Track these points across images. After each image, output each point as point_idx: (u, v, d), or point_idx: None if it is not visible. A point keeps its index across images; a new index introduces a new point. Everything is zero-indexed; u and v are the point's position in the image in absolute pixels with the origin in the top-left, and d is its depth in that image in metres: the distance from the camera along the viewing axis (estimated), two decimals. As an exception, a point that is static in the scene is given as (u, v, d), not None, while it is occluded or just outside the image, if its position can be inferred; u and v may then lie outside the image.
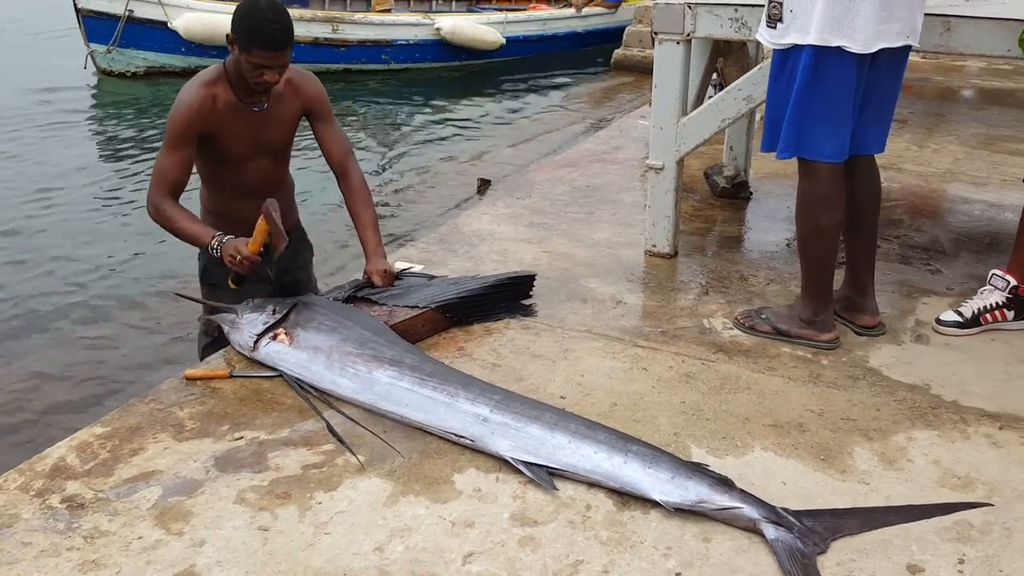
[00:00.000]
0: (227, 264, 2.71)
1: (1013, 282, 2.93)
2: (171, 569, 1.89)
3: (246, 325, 2.72)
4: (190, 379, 2.62)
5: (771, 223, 4.10)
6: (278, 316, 2.70)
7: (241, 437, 2.35)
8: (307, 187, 5.61)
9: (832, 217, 2.80)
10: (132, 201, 6.79)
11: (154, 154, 7.75)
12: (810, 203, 2.81)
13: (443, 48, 12.24)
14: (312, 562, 1.93)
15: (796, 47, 2.64)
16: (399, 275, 3.08)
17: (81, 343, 4.63)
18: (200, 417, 2.44)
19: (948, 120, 5.95)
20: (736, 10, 3.25)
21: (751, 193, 4.43)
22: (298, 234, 3.10)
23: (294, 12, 11.13)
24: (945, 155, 5.12)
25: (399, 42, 11.93)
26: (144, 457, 2.27)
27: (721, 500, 2.05)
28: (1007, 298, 2.94)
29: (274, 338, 2.66)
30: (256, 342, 2.66)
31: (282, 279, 3.04)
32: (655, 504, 2.09)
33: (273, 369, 2.62)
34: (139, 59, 10.93)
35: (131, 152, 8.27)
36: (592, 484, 2.17)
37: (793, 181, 4.43)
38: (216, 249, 2.71)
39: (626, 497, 2.13)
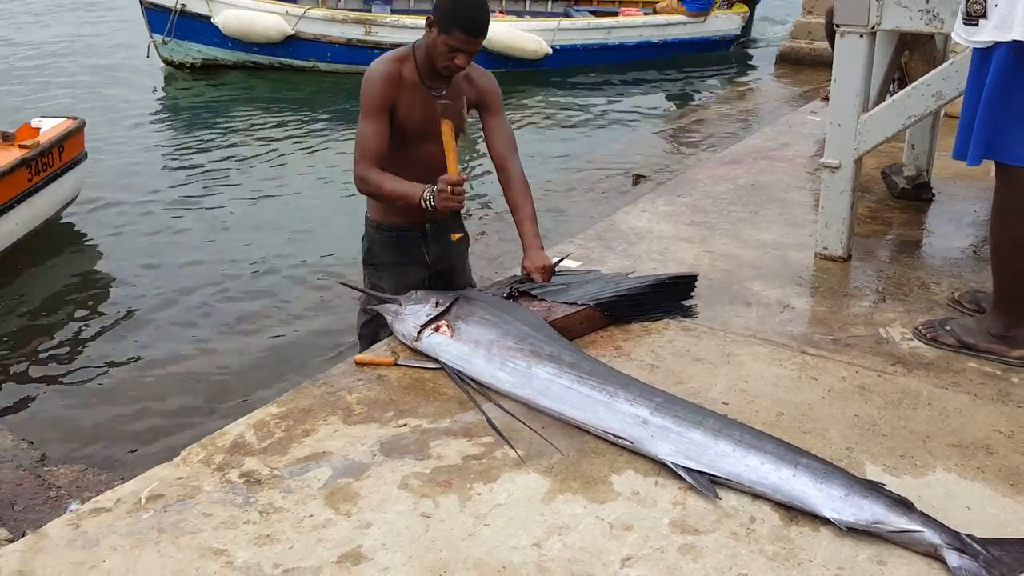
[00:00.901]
0: (443, 207, 2.77)
1: None
2: (339, 548, 1.96)
3: (410, 316, 2.79)
4: (359, 364, 2.71)
5: (956, 228, 3.84)
6: (441, 308, 2.76)
7: (405, 424, 2.41)
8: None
9: (1033, 225, 2.59)
10: (294, 189, 7.12)
11: (269, 145, 8.21)
12: (1008, 211, 2.62)
13: (485, 55, 11.72)
14: (472, 552, 1.95)
15: (997, 44, 2.46)
16: (556, 270, 3.08)
17: (253, 328, 4.89)
18: (367, 402, 2.52)
19: None
20: (927, 1, 3.06)
21: (933, 195, 4.18)
22: (455, 219, 3.17)
23: (324, 11, 11.08)
24: None
25: None
26: (316, 438, 2.36)
27: (899, 522, 1.94)
28: None
29: (436, 330, 2.71)
30: (419, 333, 2.72)
31: (438, 265, 3.13)
32: (825, 521, 2.00)
33: (435, 360, 2.68)
34: (194, 51, 11.20)
35: (270, 143, 8.59)
36: (757, 496, 2.10)
37: (981, 183, 4.14)
38: (429, 200, 2.78)
39: (793, 512, 2.05)
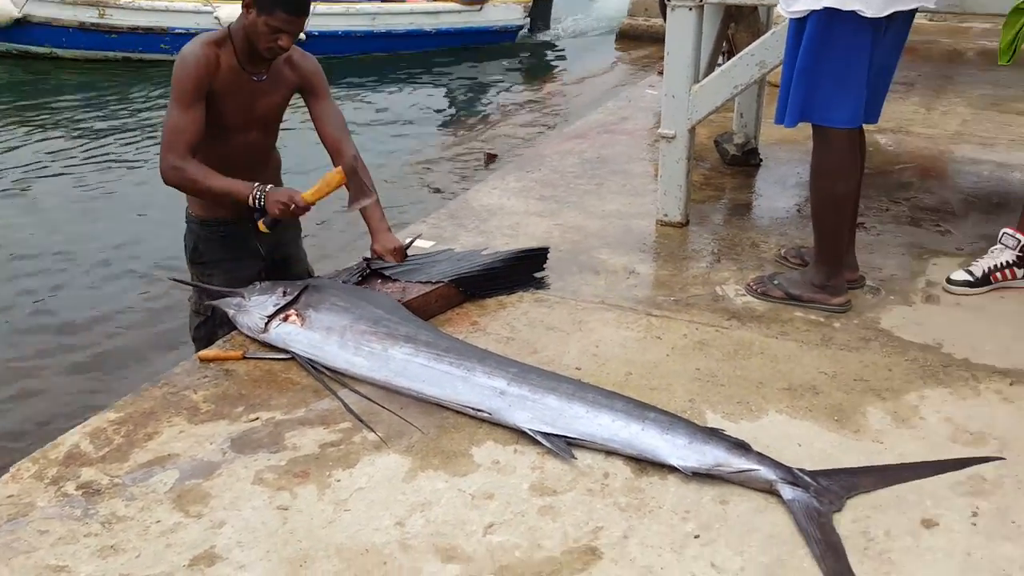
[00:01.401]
0: (274, 212, 2.71)
1: (1024, 240, 2.93)
2: (191, 551, 1.91)
3: (255, 308, 2.73)
4: (203, 360, 2.64)
5: (781, 189, 4.09)
6: (289, 297, 2.72)
7: (257, 418, 2.38)
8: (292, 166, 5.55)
9: (847, 184, 2.81)
10: (108, 185, 6.77)
11: (105, 139, 7.76)
12: (825, 170, 2.81)
13: None
14: (333, 539, 1.95)
15: (812, 12, 2.62)
16: (408, 252, 3.09)
17: (79, 330, 4.60)
18: (214, 399, 2.47)
19: (955, 82, 5.91)
20: (746, -25, 3.22)
21: (761, 160, 4.42)
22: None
23: None
24: (953, 117, 5.08)
25: (177, 30, 10.33)
26: (159, 441, 2.29)
27: (738, 463, 2.07)
28: (1017, 256, 2.94)
29: (285, 319, 2.67)
30: (267, 324, 2.67)
31: (272, 255, 3.06)
32: (673, 470, 2.11)
33: (286, 351, 2.64)
34: None
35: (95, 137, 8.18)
36: (610, 452, 2.20)
37: (803, 147, 4.42)
38: (259, 199, 2.70)
39: (644, 464, 2.15)
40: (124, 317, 4.74)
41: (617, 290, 3.10)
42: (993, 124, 4.90)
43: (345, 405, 2.41)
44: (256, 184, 2.73)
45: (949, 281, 2.98)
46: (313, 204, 2.77)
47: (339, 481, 2.14)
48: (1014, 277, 2.95)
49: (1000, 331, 2.73)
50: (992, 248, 3.00)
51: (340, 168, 2.77)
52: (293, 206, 2.70)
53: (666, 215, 3.65)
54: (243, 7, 2.70)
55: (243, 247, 2.95)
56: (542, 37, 12.82)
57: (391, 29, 11.28)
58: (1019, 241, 2.93)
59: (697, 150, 4.06)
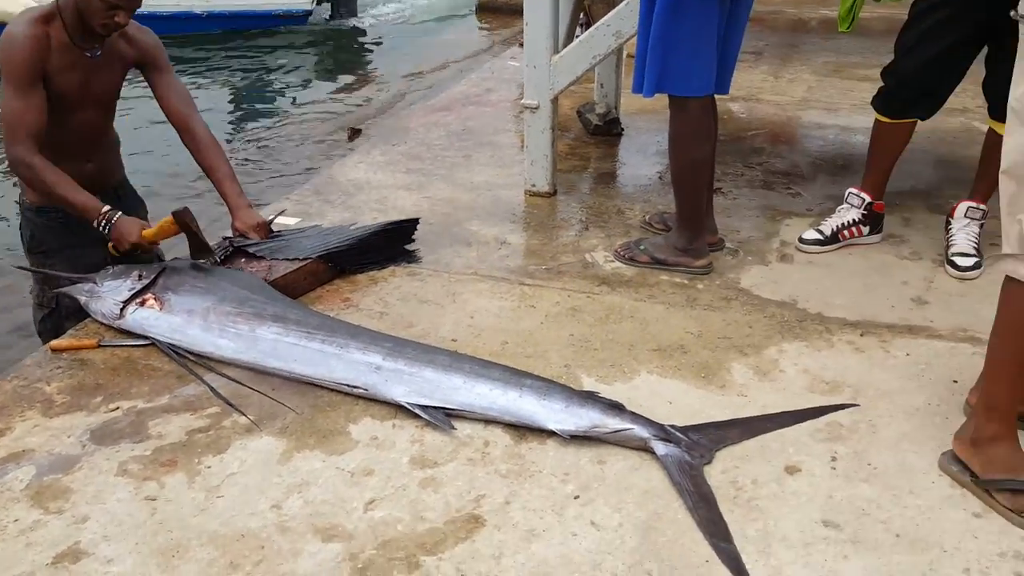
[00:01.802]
0: (116, 246, 2.66)
1: (868, 199, 3.10)
2: (53, 549, 1.82)
3: (108, 293, 2.59)
4: (55, 351, 2.49)
5: (643, 158, 4.19)
6: (145, 281, 2.59)
7: (117, 408, 2.27)
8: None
9: (703, 149, 2.89)
10: None
11: None
12: (682, 137, 2.88)
13: None
14: (207, 527, 1.89)
15: None
16: (271, 228, 3.00)
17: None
18: (70, 391, 2.34)
19: (800, 50, 6.17)
20: (599, -55, 3.26)
21: (623, 129, 4.51)
22: (126, 190, 3.00)
23: None
24: (799, 84, 5.32)
25: None
26: (12, 437, 2.15)
27: (613, 423, 2.12)
28: (863, 214, 3.10)
29: (142, 304, 2.55)
30: (122, 310, 2.55)
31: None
32: (551, 434, 2.14)
33: (145, 337, 2.52)
34: None
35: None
36: (489, 421, 2.21)
37: (662, 116, 4.54)
38: (104, 226, 2.61)
39: (523, 430, 2.18)
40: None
41: (489, 261, 3.11)
42: (836, 90, 5.15)
43: (212, 389, 2.32)
44: (106, 209, 2.62)
45: (801, 240, 3.12)
46: (152, 244, 2.73)
47: (210, 468, 2.06)
48: (860, 234, 3.12)
49: (849, 286, 2.88)
50: (839, 207, 3.16)
51: (171, 219, 2.68)
52: (137, 250, 2.67)
53: (534, 185, 3.68)
54: None
55: (85, 233, 2.75)
56: (349, 23, 12.10)
57: (154, 11, 9.71)
58: (864, 200, 3.10)
59: (561, 120, 4.11)
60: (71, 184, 2.60)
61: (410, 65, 8.91)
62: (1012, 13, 1.82)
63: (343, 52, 10.85)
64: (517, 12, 10.37)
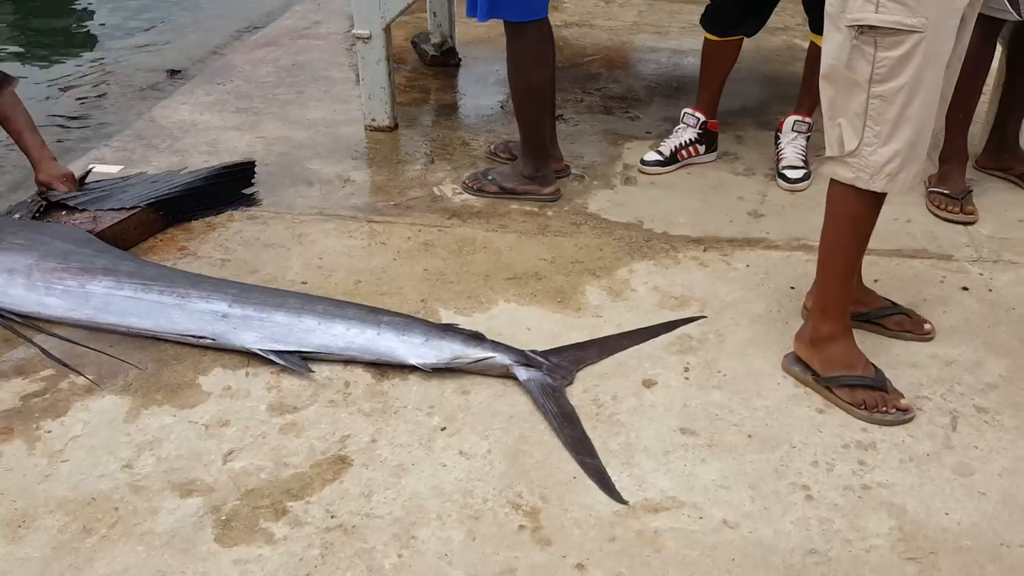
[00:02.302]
0: None
1: (703, 118, 3.19)
2: None
3: (-85, 256, 2.35)
4: None
5: (483, 88, 4.14)
6: (-45, 241, 2.36)
7: (-61, 377, 2.08)
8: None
9: (542, 73, 2.87)
10: None
11: None
12: (521, 62, 2.86)
13: None
14: (54, 493, 1.78)
15: None
16: (85, 180, 2.79)
17: None
18: None
19: (629, -25, 6.25)
20: None
21: (460, 60, 4.44)
22: None
23: None
24: (630, 9, 5.39)
25: None
26: None
27: (474, 353, 2.13)
28: (699, 134, 3.20)
29: (-43, 264, 2.32)
30: (-65, 271, 2.32)
31: None
32: (413, 369, 2.13)
33: (-38, 300, 2.31)
34: None
35: None
36: (348, 361, 2.17)
37: (498, 45, 4.49)
38: None
39: (384, 368, 2.15)
40: None
41: (334, 199, 3.02)
42: (665, 13, 5.25)
43: (43, 351, 2.17)
44: None
45: (642, 162, 3.19)
46: None
47: (50, 432, 1.94)
48: (698, 154, 3.22)
49: (690, 204, 2.98)
50: (676, 128, 3.24)
51: None
52: None
53: (374, 120, 3.58)
54: None
55: None
56: None
57: None
58: (699, 119, 3.19)
59: (396, 52, 3.99)
60: None
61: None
62: None
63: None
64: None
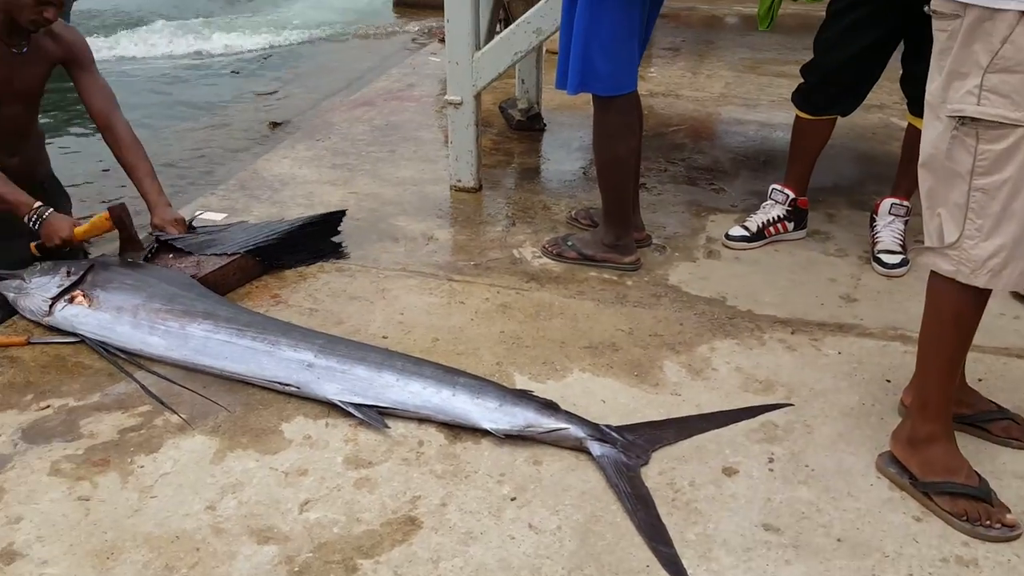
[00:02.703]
0: (48, 242, 2.61)
1: (792, 195, 3.18)
2: (-15, 552, 1.76)
3: (37, 290, 2.53)
4: (-19, 349, 2.40)
5: (567, 153, 4.23)
6: (74, 277, 2.53)
7: (48, 406, 2.21)
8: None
9: (629, 144, 2.93)
10: None
11: None
12: (608, 133, 2.92)
13: None
14: (141, 528, 1.86)
15: None
16: (192, 224, 2.95)
17: None
18: (0, 388, 2.26)
19: (717, 46, 6.31)
20: (520, -58, 3.28)
21: (545, 125, 4.54)
22: (52, 184, 2.98)
23: None
24: (717, 80, 5.44)
25: None
26: (-59, 436, 2.08)
27: (548, 423, 2.14)
28: (787, 210, 3.19)
29: (71, 301, 2.48)
30: (51, 307, 2.48)
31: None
32: (485, 434, 2.15)
33: (74, 334, 2.45)
34: None
35: None
36: (423, 420, 2.21)
37: (583, 111, 4.58)
38: (35, 221, 2.56)
39: (457, 430, 2.18)
40: None
41: (417, 256, 3.10)
42: (754, 86, 5.28)
43: (143, 387, 2.28)
44: (37, 205, 2.59)
45: (728, 237, 3.19)
46: (80, 240, 2.70)
47: (143, 467, 2.02)
48: (786, 230, 3.20)
49: (777, 282, 2.95)
50: (764, 204, 3.24)
51: (107, 215, 2.66)
52: (66, 246, 2.64)
53: (459, 180, 3.68)
54: None
55: (10, 227, 2.73)
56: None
57: None
58: (787, 196, 3.18)
59: (483, 116, 4.11)
60: (2, 178, 2.57)
61: (328, 60, 8.74)
62: (925, 8, 1.87)
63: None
64: (433, 7, 10.21)
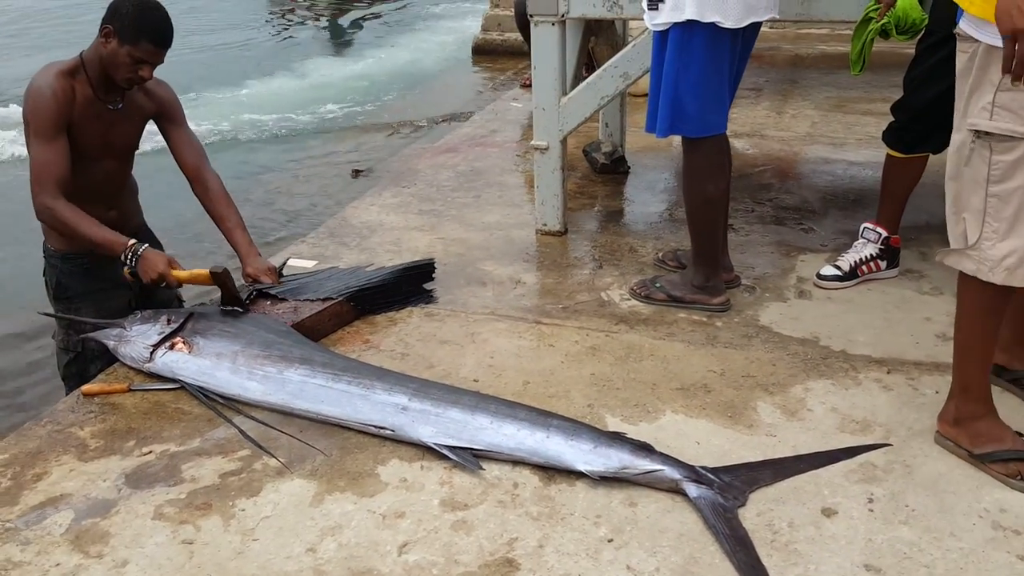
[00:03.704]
0: (146, 279, 2.67)
1: (884, 233, 3.12)
2: (95, 594, 1.81)
3: (138, 337, 2.62)
4: (87, 395, 2.50)
5: (651, 196, 4.22)
6: (174, 325, 2.61)
7: (150, 451, 2.27)
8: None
9: (718, 186, 2.92)
10: None
11: None
12: (697, 174, 2.91)
13: None
14: (244, 570, 1.89)
15: (674, 26, 2.72)
16: (282, 272, 3.03)
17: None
18: (103, 435, 2.35)
19: (801, 86, 6.25)
20: (608, -11, 3.32)
21: (629, 168, 4.55)
22: (146, 236, 3.05)
23: None
24: (803, 119, 5.38)
25: None
26: (49, 481, 2.16)
27: (643, 464, 2.12)
28: (880, 249, 3.13)
29: (171, 348, 2.57)
30: (152, 353, 2.56)
31: (141, 281, 2.95)
32: (580, 475, 2.14)
33: (173, 380, 2.54)
34: None
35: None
36: (517, 462, 2.21)
37: (666, 153, 4.59)
38: (130, 258, 2.64)
39: (551, 471, 2.18)
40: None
41: (505, 300, 3.13)
42: (840, 125, 5.21)
43: (242, 432, 2.33)
44: (132, 242, 2.67)
45: (819, 276, 3.14)
46: (180, 283, 2.76)
47: (244, 511, 2.06)
48: (879, 269, 3.14)
49: (871, 322, 2.89)
50: (855, 243, 3.18)
51: (209, 273, 2.74)
52: (164, 282, 2.69)
53: (545, 224, 3.71)
54: (101, 36, 2.62)
55: (109, 278, 2.82)
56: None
57: None
58: (880, 235, 3.12)
59: (568, 159, 4.15)
60: (94, 222, 2.65)
61: (410, 107, 8.97)
62: (956, 30, 2.04)
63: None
64: (512, 54, 10.36)
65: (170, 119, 2.91)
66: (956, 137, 2.06)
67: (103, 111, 2.71)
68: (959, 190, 2.07)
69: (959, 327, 2.19)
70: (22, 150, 3.51)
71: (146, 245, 2.70)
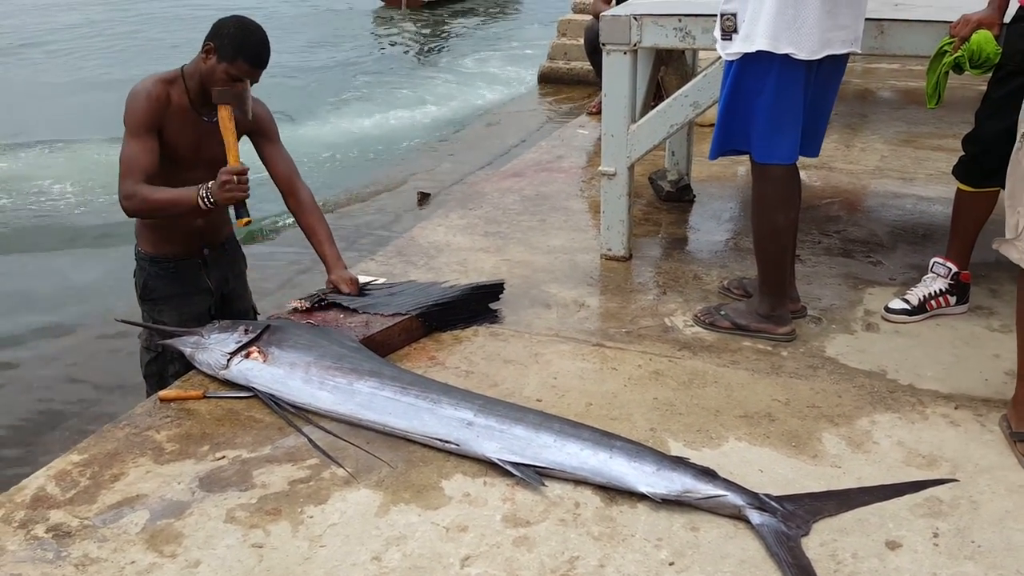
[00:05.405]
0: (227, 198, 2.68)
1: (954, 269, 3.08)
2: (170, 591, 1.88)
3: (215, 345, 2.70)
4: (164, 400, 2.60)
5: (716, 224, 4.23)
6: (252, 335, 2.70)
7: (223, 456, 2.34)
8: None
9: (787, 216, 2.92)
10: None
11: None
12: (766, 204, 2.92)
13: None
14: (311, 575, 1.93)
15: (747, 56, 2.75)
16: (367, 287, 3.12)
17: (30, 374, 4.48)
18: (178, 439, 2.42)
19: (870, 120, 6.19)
20: (680, 20, 3.36)
21: (694, 196, 4.56)
22: (232, 245, 3.16)
23: None
24: (872, 153, 5.33)
25: None
26: (126, 482, 2.24)
27: (706, 489, 2.12)
28: (949, 284, 3.09)
29: (247, 356, 2.65)
30: (229, 360, 2.65)
31: (222, 290, 3.10)
32: (642, 497, 2.15)
33: (247, 388, 2.61)
34: None
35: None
36: (579, 481, 2.22)
37: (732, 183, 4.58)
38: (206, 198, 2.68)
39: (613, 492, 2.19)
40: (71, 359, 4.60)
41: (569, 323, 3.15)
42: (910, 160, 5.14)
43: (311, 441, 2.39)
44: (198, 187, 2.70)
45: (887, 310, 3.11)
46: (239, 161, 2.76)
47: (312, 517, 2.12)
48: (948, 304, 3.10)
49: (940, 357, 2.86)
50: (925, 277, 3.15)
51: (219, 107, 2.75)
52: (236, 179, 2.68)
53: (610, 249, 3.74)
54: (202, 52, 2.74)
55: (193, 283, 2.99)
56: None
57: None
58: (950, 270, 3.08)
59: (633, 186, 4.18)
60: (164, 189, 2.70)
61: (476, 135, 9.09)
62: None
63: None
64: (576, 81, 10.41)
65: (264, 135, 3.00)
66: (1018, 143, 2.30)
67: (198, 122, 2.81)
68: (1014, 186, 2.32)
69: (1018, 316, 2.41)
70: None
71: (211, 182, 2.69)
